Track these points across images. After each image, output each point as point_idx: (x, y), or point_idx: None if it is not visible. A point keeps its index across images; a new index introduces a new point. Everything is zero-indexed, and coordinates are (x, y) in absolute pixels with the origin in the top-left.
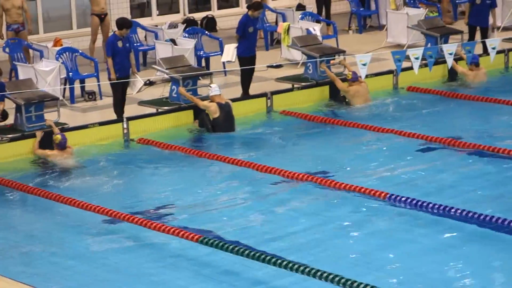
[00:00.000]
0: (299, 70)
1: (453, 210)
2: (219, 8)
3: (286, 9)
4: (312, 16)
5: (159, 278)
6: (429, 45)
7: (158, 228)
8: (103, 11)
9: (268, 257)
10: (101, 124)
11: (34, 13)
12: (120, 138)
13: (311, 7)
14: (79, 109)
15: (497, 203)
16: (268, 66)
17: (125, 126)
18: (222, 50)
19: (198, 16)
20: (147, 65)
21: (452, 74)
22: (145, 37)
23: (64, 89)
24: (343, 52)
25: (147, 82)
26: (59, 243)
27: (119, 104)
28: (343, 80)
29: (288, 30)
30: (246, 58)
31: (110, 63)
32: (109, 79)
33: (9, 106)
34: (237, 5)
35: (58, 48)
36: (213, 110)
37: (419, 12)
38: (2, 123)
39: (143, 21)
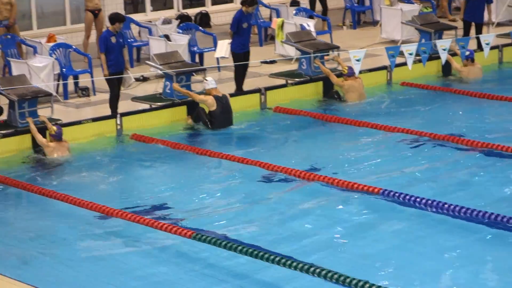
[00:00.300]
0: (293, 66)
1: (452, 207)
2: (213, 4)
3: (280, 5)
4: (306, 11)
5: (153, 275)
6: (423, 40)
7: (151, 224)
8: (97, 7)
9: (261, 253)
10: (95, 120)
11: (27, 9)
12: (113, 134)
13: (305, 2)
14: (73, 105)
15: (495, 200)
16: (262, 62)
17: (118, 122)
18: (216, 46)
19: (192, 12)
20: (140, 61)
21: (446, 70)
22: (139, 33)
23: (58, 85)
24: (337, 48)
25: (141, 78)
26: (51, 239)
27: (115, 100)
28: (338, 75)
29: (282, 25)
30: (240, 54)
31: (103, 59)
32: (104, 75)
33: (2, 102)
34: (231, 1)
35: (51, 44)
36: (210, 103)
37: (413, 8)
38: None
39: (137, 17)
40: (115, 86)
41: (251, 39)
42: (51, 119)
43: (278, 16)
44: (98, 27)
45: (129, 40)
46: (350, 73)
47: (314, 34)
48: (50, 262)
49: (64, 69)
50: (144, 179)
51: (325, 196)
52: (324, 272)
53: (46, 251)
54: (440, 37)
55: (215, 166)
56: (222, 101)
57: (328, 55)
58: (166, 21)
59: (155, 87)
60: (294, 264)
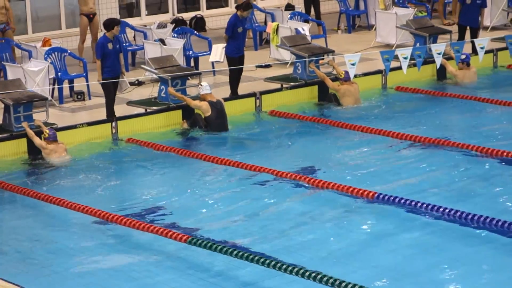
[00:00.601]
0: (288, 70)
1: (447, 210)
2: (208, 8)
3: (275, 9)
4: (301, 16)
5: (148, 279)
6: (417, 44)
7: (147, 229)
8: (92, 11)
9: (256, 257)
10: (90, 124)
11: (22, 13)
12: (109, 138)
13: (300, 7)
14: (68, 109)
15: (490, 203)
16: (257, 66)
17: (113, 126)
18: (211, 50)
19: (187, 16)
20: (136, 65)
21: (441, 74)
22: (134, 37)
23: (53, 89)
24: (332, 52)
25: (136, 82)
26: (46, 243)
27: (111, 105)
28: (333, 80)
29: (277, 30)
30: (235, 58)
31: (99, 65)
32: (98, 80)
33: None
34: (226, 5)
35: (46, 48)
36: (205, 109)
37: (408, 12)
38: None
39: (132, 21)
40: (110, 91)
41: (246, 43)
42: (46, 124)
43: (273, 20)
44: (93, 31)
45: (124, 44)
46: (347, 78)
47: (309, 38)
48: (44, 265)
49: (59, 73)
50: (140, 183)
51: (323, 200)
52: (313, 274)
53: (41, 255)
54: (435, 41)
55: (211, 170)
56: (217, 107)
57: (323, 59)
58: (161, 25)
59: (150, 91)
60: (290, 268)
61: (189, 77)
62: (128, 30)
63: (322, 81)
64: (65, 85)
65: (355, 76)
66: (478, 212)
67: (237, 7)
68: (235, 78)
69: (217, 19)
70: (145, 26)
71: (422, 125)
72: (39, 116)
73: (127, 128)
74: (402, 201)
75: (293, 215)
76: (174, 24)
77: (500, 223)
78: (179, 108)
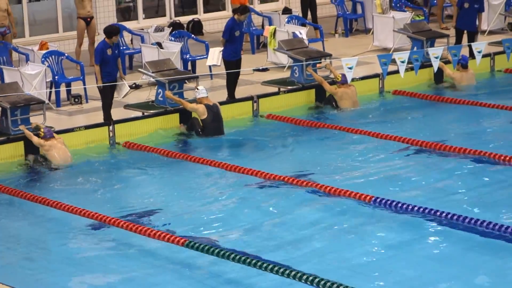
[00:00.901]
0: (285, 74)
1: (443, 214)
2: (205, 11)
3: (272, 13)
4: (298, 19)
5: (145, 282)
6: (415, 48)
7: (144, 232)
8: (89, 15)
9: (250, 260)
10: (87, 127)
11: (20, 16)
12: (106, 142)
13: (297, 10)
14: (65, 113)
15: (489, 207)
16: (255, 70)
17: (111, 129)
18: (208, 54)
19: (184, 19)
20: (133, 69)
21: (438, 78)
22: (131, 40)
23: (50, 92)
24: (329, 55)
25: (133, 85)
26: (43, 246)
27: (108, 109)
28: (331, 83)
29: (274, 33)
30: (232, 62)
31: (97, 70)
32: (98, 87)
33: None
34: (224, 8)
35: (44, 51)
36: (201, 111)
37: (405, 16)
38: None
39: (129, 24)
40: (107, 95)
41: (243, 47)
42: None
43: (270, 24)
44: (90, 35)
45: (121, 48)
46: (344, 81)
47: (306, 42)
48: (41, 269)
49: (56, 77)
50: (137, 186)
51: (320, 203)
52: (311, 278)
53: (38, 258)
54: (432, 45)
55: (208, 173)
56: (213, 110)
57: (320, 62)
58: (159, 29)
59: (148, 94)
60: (287, 272)
61: (186, 81)
62: (125, 33)
63: (319, 84)
64: (62, 89)
65: (353, 80)
66: (496, 220)
67: (234, 11)
68: (232, 81)
69: (214, 22)
70: (142, 29)
71: (418, 129)
72: (36, 120)
73: (124, 132)
74: (399, 205)
75: (291, 219)
76: (171, 28)
77: None
78: (177, 111)
